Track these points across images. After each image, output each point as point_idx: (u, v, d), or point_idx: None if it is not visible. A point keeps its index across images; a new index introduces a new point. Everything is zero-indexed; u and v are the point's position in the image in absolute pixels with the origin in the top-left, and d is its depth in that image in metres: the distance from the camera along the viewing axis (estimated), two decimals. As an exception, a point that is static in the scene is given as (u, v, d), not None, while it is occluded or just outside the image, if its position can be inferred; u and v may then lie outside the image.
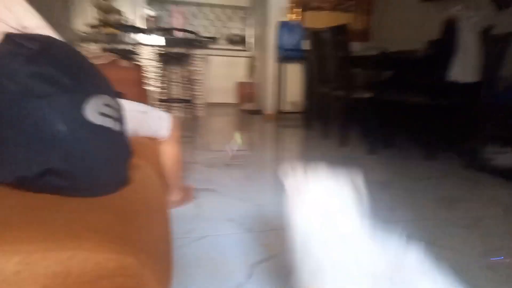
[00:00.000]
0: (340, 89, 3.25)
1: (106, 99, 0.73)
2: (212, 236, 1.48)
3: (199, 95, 4.55)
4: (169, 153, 1.52)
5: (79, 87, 0.70)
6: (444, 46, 2.79)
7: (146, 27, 4.79)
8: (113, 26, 3.86)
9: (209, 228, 1.55)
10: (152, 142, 1.37)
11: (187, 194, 1.78)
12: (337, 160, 2.75)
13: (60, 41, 0.78)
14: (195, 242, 1.42)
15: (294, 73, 5.11)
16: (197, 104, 4.49)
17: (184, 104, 4.43)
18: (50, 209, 0.61)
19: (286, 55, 4.83)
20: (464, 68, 2.67)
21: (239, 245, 1.42)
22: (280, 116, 4.73)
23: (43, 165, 0.63)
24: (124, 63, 3.09)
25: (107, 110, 0.72)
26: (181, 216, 1.66)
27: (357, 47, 4.33)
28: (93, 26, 3.65)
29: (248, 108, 5.27)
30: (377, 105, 2.99)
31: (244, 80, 5.79)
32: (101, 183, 0.69)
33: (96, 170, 0.68)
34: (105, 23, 3.93)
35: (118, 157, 0.73)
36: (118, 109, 0.77)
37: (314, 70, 3.85)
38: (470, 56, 2.67)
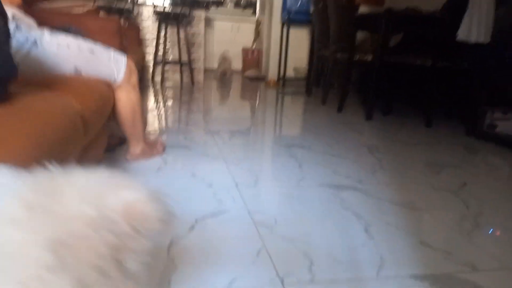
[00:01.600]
0: (342, 51, 3.05)
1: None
2: (166, 189, 1.38)
3: (198, 58, 4.40)
4: (124, 100, 1.41)
5: None
6: (453, 5, 2.56)
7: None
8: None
9: (166, 182, 1.45)
10: (98, 83, 1.25)
11: (153, 148, 1.68)
12: (332, 125, 2.60)
13: None
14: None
15: (300, 38, 4.88)
16: (195, 67, 4.36)
17: (182, 68, 4.30)
18: None
19: (293, 18, 4.60)
20: (473, 29, 2.43)
21: (192, 198, 1.31)
22: (283, 82, 4.55)
23: None
24: (102, 14, 2.95)
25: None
26: (141, 168, 1.56)
27: (366, 10, 4.08)
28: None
29: (251, 75, 5.09)
30: (378, 68, 2.79)
31: (249, 46, 5.58)
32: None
33: None
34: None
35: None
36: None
37: (317, 33, 3.63)
38: (480, 17, 2.43)
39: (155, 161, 1.65)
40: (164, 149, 1.76)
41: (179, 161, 1.68)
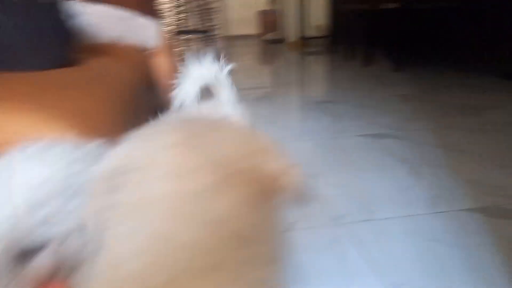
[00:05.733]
0: (365, 2, 2.94)
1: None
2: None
3: (217, 25, 4.34)
4: (162, 66, 1.43)
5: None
6: None
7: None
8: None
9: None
10: (136, 51, 1.27)
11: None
12: (359, 79, 2.55)
13: None
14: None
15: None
16: (215, 35, 4.31)
17: (201, 36, 4.26)
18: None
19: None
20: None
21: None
22: (304, 42, 4.44)
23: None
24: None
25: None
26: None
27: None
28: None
29: (270, 38, 5.00)
30: (404, 16, 2.68)
31: (265, 8, 5.44)
32: (19, 59, 0.61)
33: (11, 46, 0.60)
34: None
35: (43, 34, 0.64)
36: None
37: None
38: None
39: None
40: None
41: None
